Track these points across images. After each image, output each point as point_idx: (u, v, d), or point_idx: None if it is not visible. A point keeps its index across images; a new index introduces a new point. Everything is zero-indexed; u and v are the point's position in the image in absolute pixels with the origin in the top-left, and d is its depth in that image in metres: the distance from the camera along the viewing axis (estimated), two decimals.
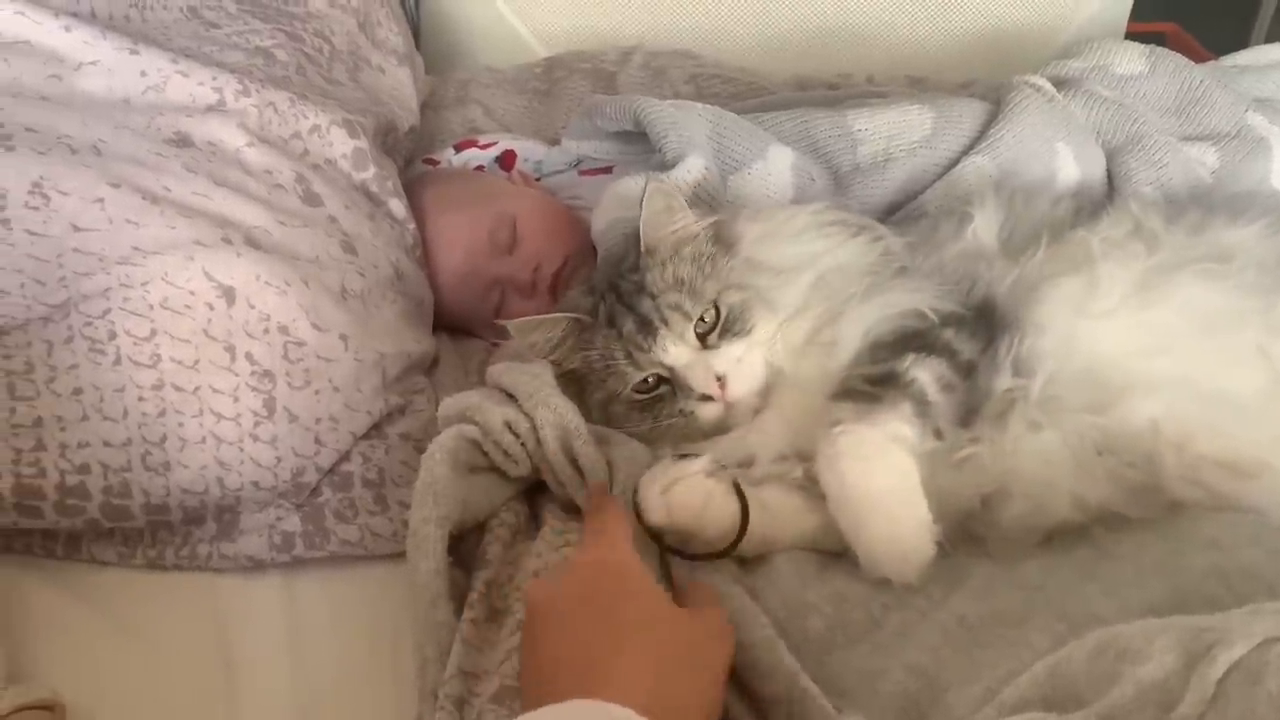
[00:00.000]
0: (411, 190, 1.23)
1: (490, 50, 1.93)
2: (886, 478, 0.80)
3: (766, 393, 0.91)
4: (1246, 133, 1.30)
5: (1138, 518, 0.85)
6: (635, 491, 0.82)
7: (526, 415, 0.87)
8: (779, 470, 0.88)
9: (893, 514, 0.79)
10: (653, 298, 0.91)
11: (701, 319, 0.90)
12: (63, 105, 0.95)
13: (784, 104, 1.42)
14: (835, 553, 0.84)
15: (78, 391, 0.84)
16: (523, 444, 0.86)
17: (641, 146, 1.24)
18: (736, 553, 0.83)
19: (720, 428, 0.91)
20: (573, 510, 0.87)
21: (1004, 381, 0.90)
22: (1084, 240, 1.00)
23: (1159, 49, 1.39)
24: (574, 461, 0.86)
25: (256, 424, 0.88)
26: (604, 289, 0.96)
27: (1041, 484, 0.85)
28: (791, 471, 0.88)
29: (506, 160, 1.42)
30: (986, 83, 1.72)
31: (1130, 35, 2.11)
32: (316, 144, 1.07)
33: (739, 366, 0.89)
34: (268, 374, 0.89)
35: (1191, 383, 0.90)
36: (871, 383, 0.84)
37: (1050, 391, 0.89)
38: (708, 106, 1.25)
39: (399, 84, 1.36)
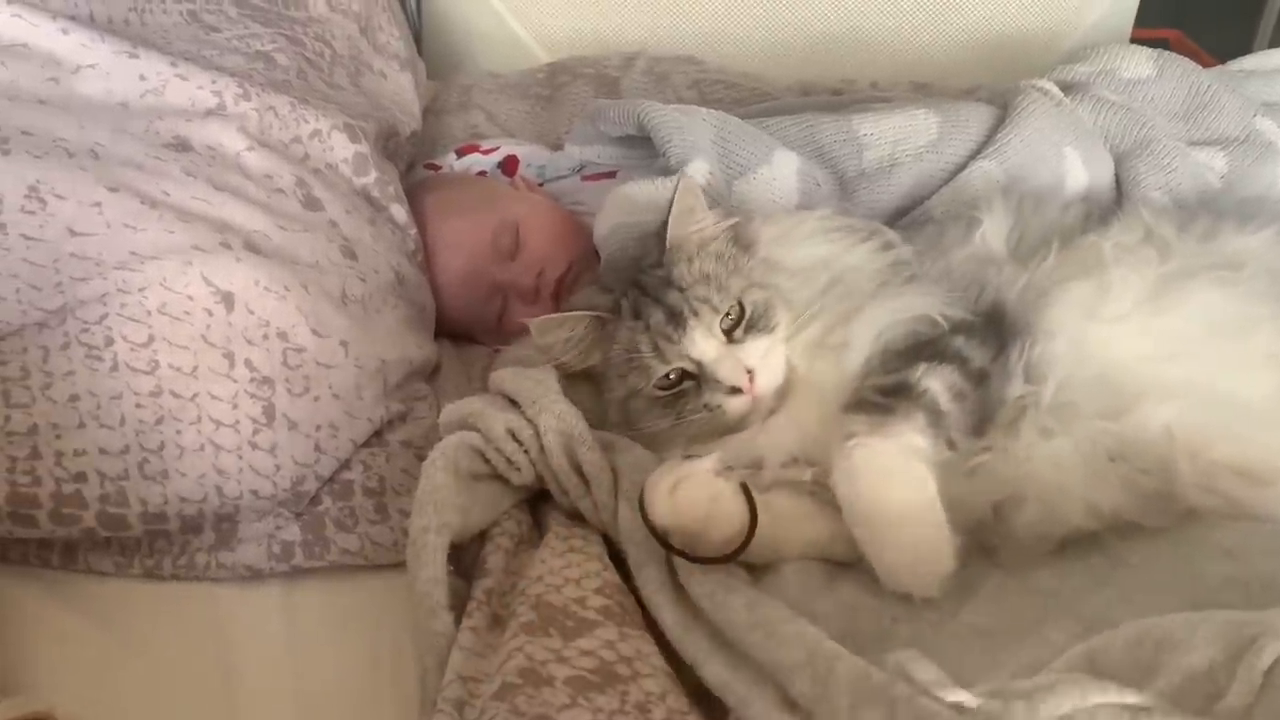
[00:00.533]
0: (413, 195, 1.22)
1: (492, 55, 1.92)
2: (904, 490, 0.78)
3: (780, 393, 0.90)
4: (1255, 137, 1.29)
5: (1152, 526, 0.83)
6: (641, 493, 0.81)
7: (529, 422, 0.85)
8: (788, 474, 0.87)
9: (913, 527, 0.78)
10: (681, 290, 0.91)
11: (727, 314, 0.89)
12: (60, 108, 0.94)
13: (788, 109, 1.41)
14: (844, 563, 0.83)
15: (74, 398, 0.83)
16: (525, 451, 0.85)
17: (645, 151, 1.23)
18: (744, 558, 0.81)
19: (740, 426, 0.90)
20: (577, 518, 0.85)
21: (1016, 388, 0.89)
22: (1095, 245, 0.99)
23: (1166, 53, 1.38)
24: (578, 469, 0.85)
25: (255, 431, 0.87)
26: (625, 286, 0.95)
27: (1054, 491, 0.84)
28: (800, 475, 0.87)
29: (509, 165, 1.41)
30: (992, 88, 1.72)
31: (1133, 41, 2.10)
32: (317, 148, 1.06)
33: (766, 361, 0.89)
34: (267, 380, 0.88)
35: (1205, 389, 0.89)
36: (884, 393, 0.83)
37: (1062, 398, 0.88)
38: (712, 111, 1.24)
39: (400, 89, 1.35)
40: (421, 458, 0.87)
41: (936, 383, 0.84)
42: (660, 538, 0.79)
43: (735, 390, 0.87)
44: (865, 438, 0.80)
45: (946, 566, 0.77)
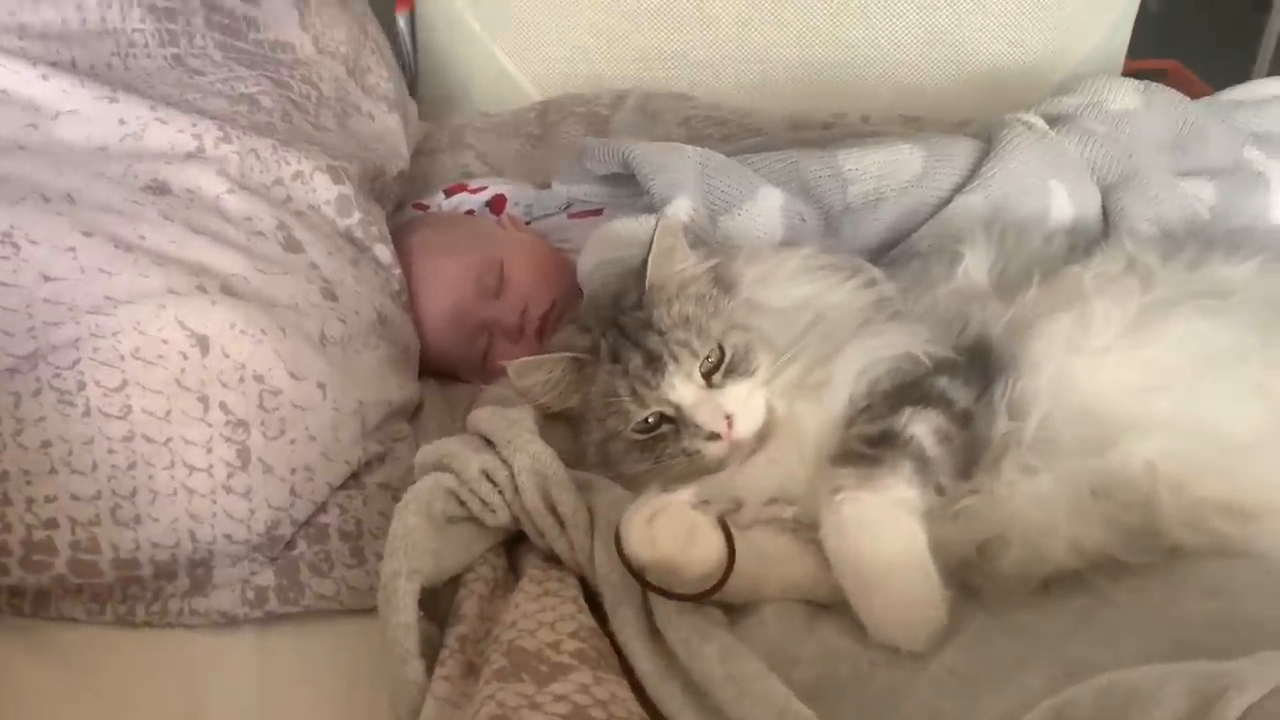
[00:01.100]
0: (399, 235, 1.22)
1: (486, 94, 1.93)
2: (894, 545, 0.78)
3: (760, 435, 0.89)
4: (1244, 167, 1.29)
5: (1136, 563, 0.82)
6: (617, 527, 0.80)
7: (504, 462, 0.84)
8: (768, 514, 0.86)
9: (903, 582, 0.77)
10: (660, 334, 0.90)
11: (707, 357, 0.89)
12: (38, 154, 0.94)
13: (775, 145, 1.41)
14: (824, 604, 0.82)
15: (45, 444, 0.82)
16: (501, 492, 0.84)
17: (631, 189, 1.23)
18: (722, 596, 0.80)
19: (719, 467, 0.89)
20: (553, 560, 0.84)
21: (1001, 426, 0.88)
22: (1077, 276, 0.98)
23: (1154, 84, 1.38)
24: (553, 509, 0.84)
25: (230, 475, 0.86)
26: (604, 326, 0.94)
27: (1038, 530, 0.83)
28: (780, 514, 0.86)
29: (496, 204, 1.41)
30: (983, 122, 1.72)
31: (1130, 73, 2.10)
32: (299, 190, 1.06)
33: (745, 406, 0.88)
34: (242, 424, 0.88)
35: (1190, 421, 0.88)
36: (870, 443, 0.83)
37: (1044, 434, 0.87)
38: (697, 148, 1.24)
39: (388, 130, 1.36)
40: (399, 500, 0.86)
41: (922, 428, 0.84)
42: (636, 573, 0.78)
43: (714, 435, 0.86)
44: (853, 491, 0.79)
45: (937, 621, 0.77)
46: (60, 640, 0.85)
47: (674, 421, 0.88)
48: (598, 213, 1.33)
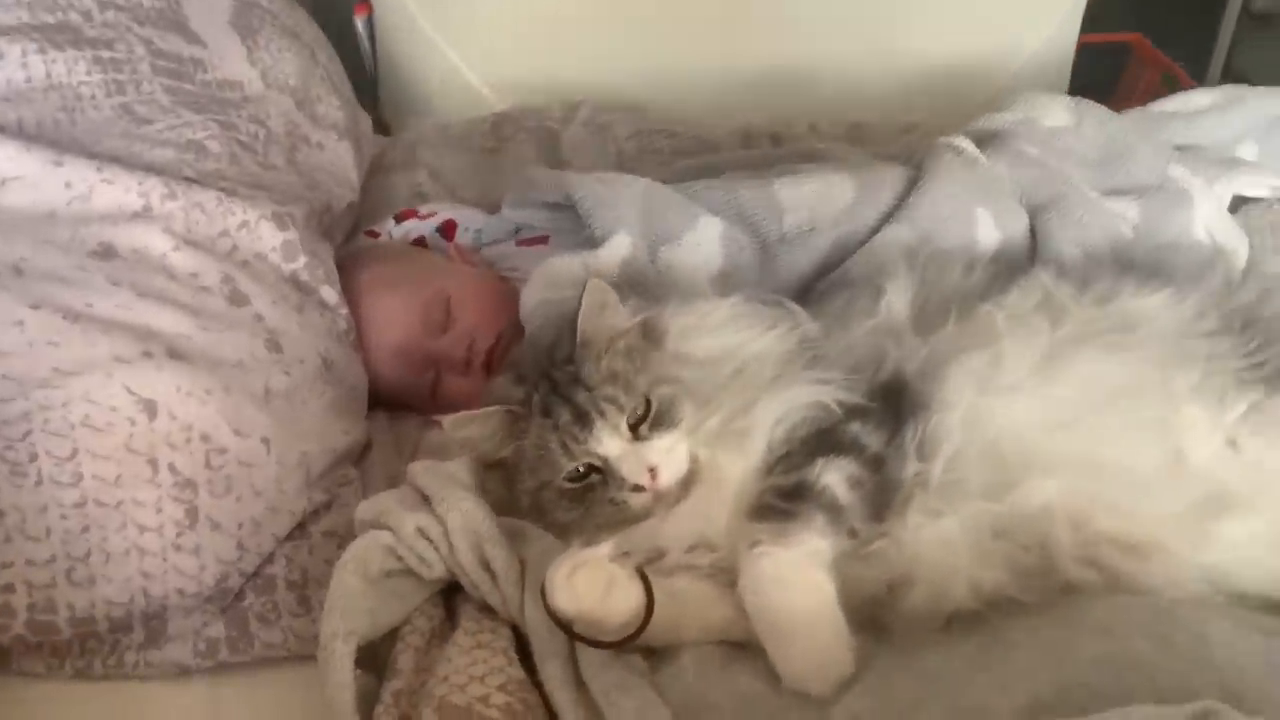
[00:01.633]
0: (346, 269, 1.25)
1: (444, 99, 1.97)
2: (805, 600, 0.83)
3: (684, 484, 0.94)
4: (1168, 185, 1.34)
5: (1031, 602, 0.87)
6: (543, 584, 0.85)
7: (439, 520, 0.89)
8: (689, 560, 0.91)
9: (813, 635, 0.83)
10: (589, 390, 0.94)
11: (634, 410, 0.93)
12: None
13: (718, 166, 1.45)
14: (741, 644, 0.88)
15: (0, 514, 0.87)
16: (436, 548, 0.89)
17: (577, 216, 1.26)
18: (644, 641, 0.86)
19: (645, 516, 0.93)
20: (487, 610, 0.89)
21: (911, 468, 0.93)
22: (990, 316, 1.02)
23: (1085, 101, 1.42)
24: (487, 565, 0.89)
25: (179, 534, 0.91)
26: (536, 378, 0.98)
27: (941, 571, 0.88)
28: (700, 561, 0.91)
29: (447, 230, 1.45)
30: (930, 124, 1.76)
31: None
32: (245, 239, 1.09)
33: (668, 457, 0.92)
34: (190, 483, 0.92)
35: (1091, 459, 0.93)
36: (785, 496, 0.88)
37: (951, 476, 0.92)
38: (638, 179, 1.28)
39: (338, 159, 1.39)
40: (344, 548, 0.91)
41: (834, 476, 0.89)
42: (562, 625, 0.83)
43: (638, 487, 0.91)
44: (769, 546, 0.85)
45: (844, 668, 0.82)
46: (20, 695, 0.90)
47: (602, 472, 0.93)
48: (545, 240, 1.37)
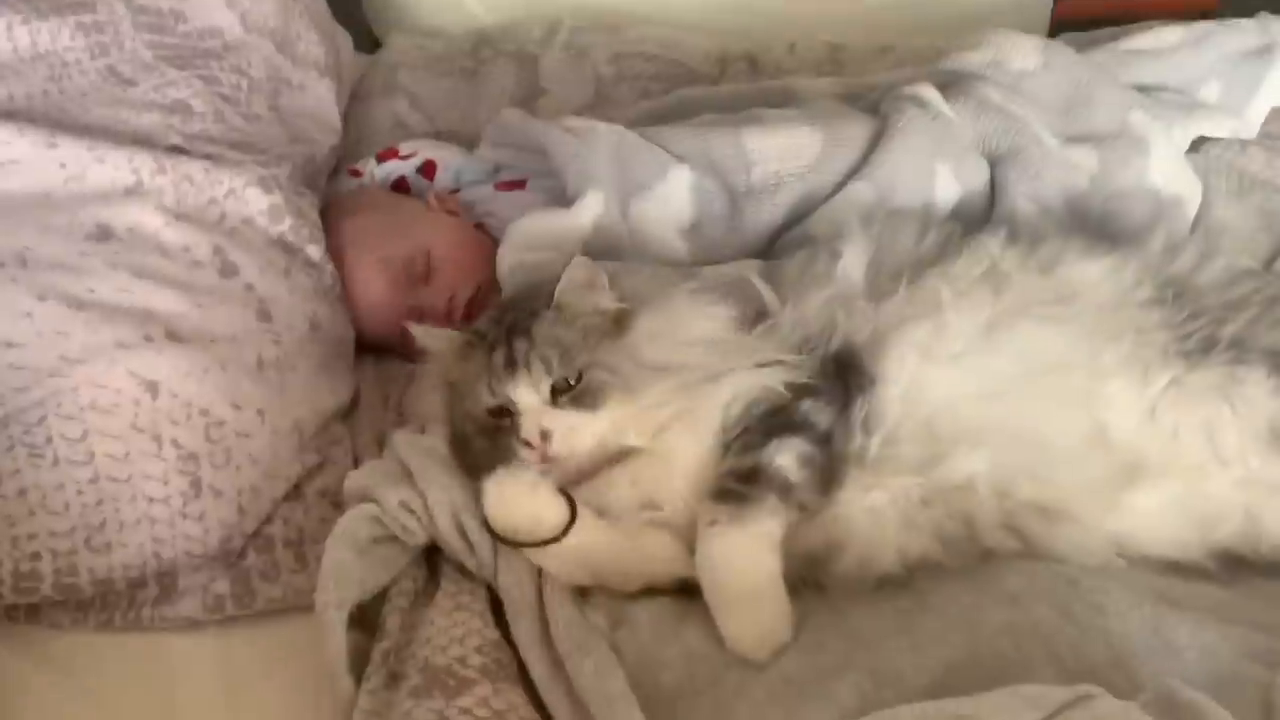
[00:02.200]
0: (330, 218, 1.31)
1: (431, 11, 1.95)
2: (753, 577, 0.92)
3: (612, 462, 0.99)
4: (1127, 132, 1.38)
5: (954, 566, 0.97)
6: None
7: (420, 493, 0.98)
8: (644, 517, 1.00)
9: (756, 608, 0.92)
10: (530, 344, 0.99)
11: (565, 380, 0.98)
12: None
13: (694, 104, 1.48)
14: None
15: (22, 492, 0.96)
16: (418, 519, 0.98)
17: None
18: (601, 583, 0.97)
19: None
20: (466, 572, 0.99)
21: (856, 442, 1.00)
22: (935, 288, 1.08)
23: (1054, 43, 1.45)
24: (464, 533, 0.98)
25: (185, 504, 1.00)
26: (502, 319, 1.04)
27: (871, 540, 0.97)
28: (654, 517, 0.99)
29: (427, 170, 1.49)
30: (906, 47, 1.78)
31: None
32: (233, 205, 1.15)
33: (568, 431, 0.97)
34: (192, 456, 1.01)
35: (1017, 430, 1.01)
36: (740, 479, 0.95)
37: (885, 451, 1.00)
38: (611, 127, 1.32)
39: (319, 100, 1.42)
40: (336, 505, 1.01)
41: (786, 457, 0.96)
42: (493, 532, 0.95)
43: (528, 444, 0.97)
44: (724, 526, 0.93)
45: (782, 638, 0.91)
46: (50, 645, 1.01)
47: (512, 419, 0.99)
48: (522, 184, 1.42)
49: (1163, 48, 1.51)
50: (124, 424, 0.99)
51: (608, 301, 1.03)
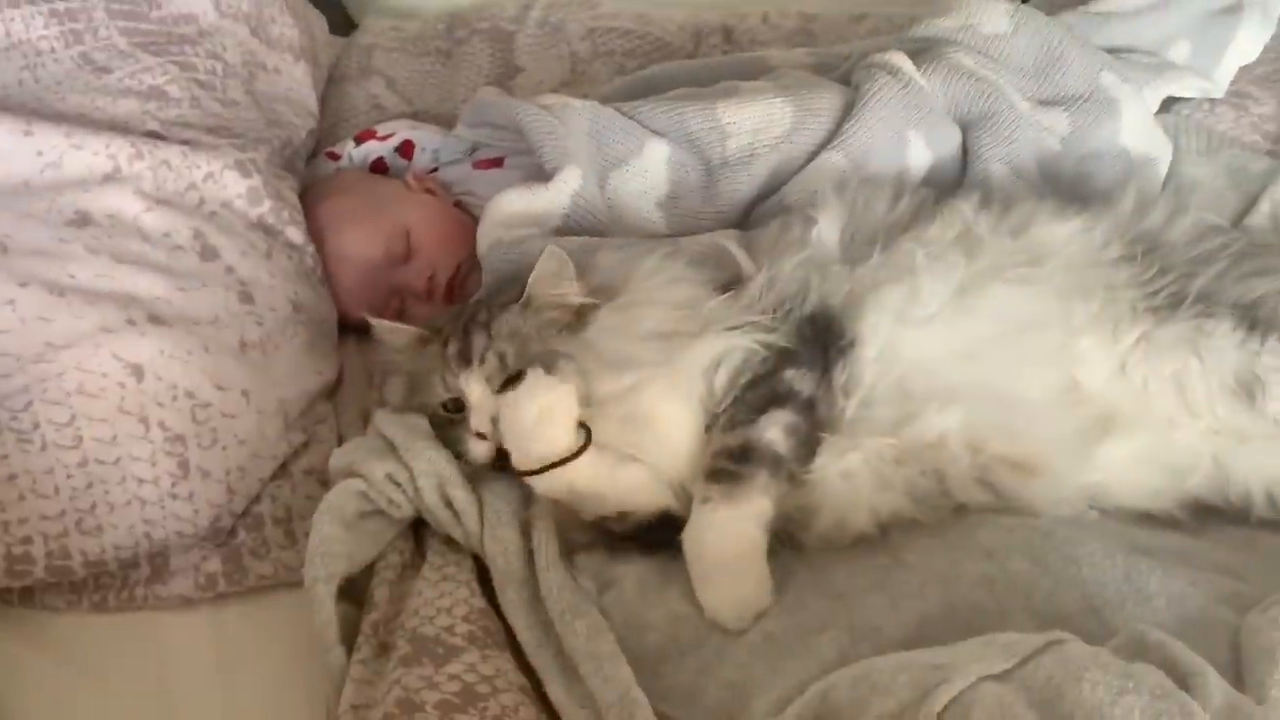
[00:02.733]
0: (309, 201, 1.32)
1: None
2: (738, 552, 0.94)
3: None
4: (1098, 94, 1.39)
5: (927, 522, 0.99)
6: None
7: (405, 466, 1.00)
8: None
9: (739, 582, 0.94)
10: (489, 338, 1.01)
11: (517, 373, 0.99)
12: None
13: (668, 78, 1.49)
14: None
15: (12, 477, 0.97)
16: (404, 491, 1.00)
17: None
18: (602, 511, 0.98)
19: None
20: (451, 543, 1.01)
21: (838, 404, 1.02)
22: (910, 251, 1.10)
23: (1024, 8, 1.46)
24: (449, 504, 1.00)
25: (174, 484, 1.02)
26: (461, 314, 1.06)
27: (845, 500, 0.99)
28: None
29: (405, 150, 1.50)
30: (880, 13, 1.78)
31: None
32: (212, 189, 1.16)
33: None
34: (179, 438, 1.02)
35: (990, 387, 1.03)
36: (732, 457, 0.97)
37: (861, 413, 1.02)
38: (586, 103, 1.34)
39: (295, 84, 1.43)
40: (322, 483, 1.03)
41: (775, 431, 0.98)
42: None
43: (481, 436, 0.99)
44: (716, 503, 0.95)
45: (761, 607, 0.93)
46: (46, 627, 1.02)
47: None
48: (500, 162, 1.43)
49: (1131, 9, 1.52)
50: (110, 407, 1.00)
51: (574, 295, 1.04)
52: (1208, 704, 0.74)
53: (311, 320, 1.20)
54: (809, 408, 1.01)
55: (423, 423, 1.04)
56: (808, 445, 1.00)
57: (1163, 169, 1.40)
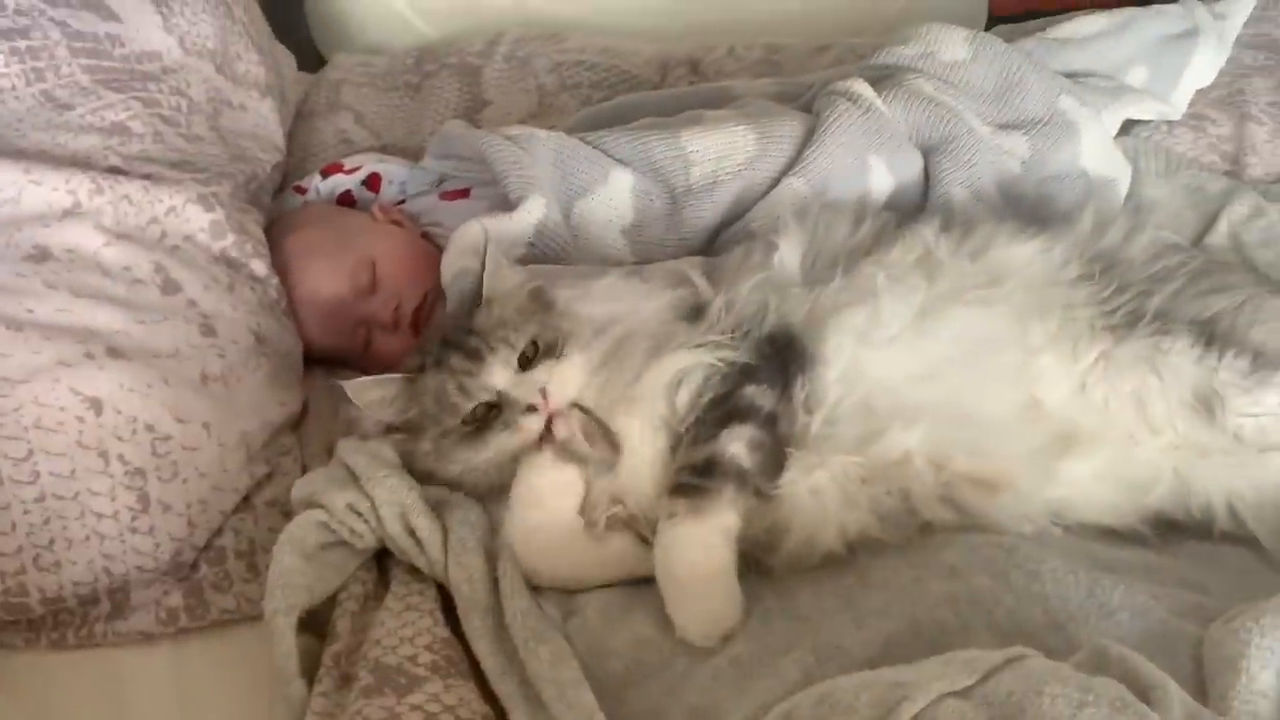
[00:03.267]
0: (274, 234, 1.32)
1: (375, 30, 1.97)
2: (707, 568, 0.94)
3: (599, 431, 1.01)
4: (1057, 118, 1.41)
5: (894, 542, 0.99)
6: None
7: (367, 495, 0.99)
8: (614, 513, 1.02)
9: (708, 598, 0.94)
10: (480, 335, 1.03)
11: (524, 351, 1.01)
12: None
13: (634, 108, 1.50)
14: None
15: None
16: (366, 521, 0.99)
17: None
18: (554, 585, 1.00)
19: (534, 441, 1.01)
20: (416, 572, 1.00)
21: (800, 421, 1.03)
22: (871, 274, 1.11)
23: (982, 34, 1.48)
24: (412, 533, 0.99)
25: (134, 518, 1.01)
26: (431, 342, 1.07)
27: (813, 519, 0.99)
28: (621, 514, 1.02)
29: (372, 183, 1.50)
30: (844, 45, 1.81)
31: None
32: (174, 223, 1.16)
33: (557, 378, 1.00)
34: (139, 471, 1.02)
35: (953, 406, 1.04)
36: (697, 472, 0.97)
37: (826, 430, 1.02)
38: (551, 134, 1.35)
39: (261, 120, 1.43)
40: (287, 514, 1.02)
41: (738, 445, 0.98)
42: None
43: (531, 409, 0.99)
44: (683, 518, 0.95)
45: (730, 624, 0.93)
46: (3, 666, 1.01)
47: (498, 407, 1.01)
48: (466, 193, 1.43)
49: (1088, 35, 1.55)
50: (69, 442, 0.99)
51: (515, 276, 1.08)
52: (1168, 716, 0.74)
53: (275, 352, 1.20)
54: (770, 423, 1.01)
55: (386, 451, 1.03)
56: (773, 460, 1.00)
57: (1123, 190, 1.42)
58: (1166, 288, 1.11)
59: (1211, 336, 1.06)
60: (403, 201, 1.49)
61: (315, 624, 0.97)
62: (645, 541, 1.01)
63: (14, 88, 1.18)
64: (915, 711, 0.75)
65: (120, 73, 1.28)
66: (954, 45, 1.45)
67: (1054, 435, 1.05)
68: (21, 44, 1.20)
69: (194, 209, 1.18)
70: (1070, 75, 1.49)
